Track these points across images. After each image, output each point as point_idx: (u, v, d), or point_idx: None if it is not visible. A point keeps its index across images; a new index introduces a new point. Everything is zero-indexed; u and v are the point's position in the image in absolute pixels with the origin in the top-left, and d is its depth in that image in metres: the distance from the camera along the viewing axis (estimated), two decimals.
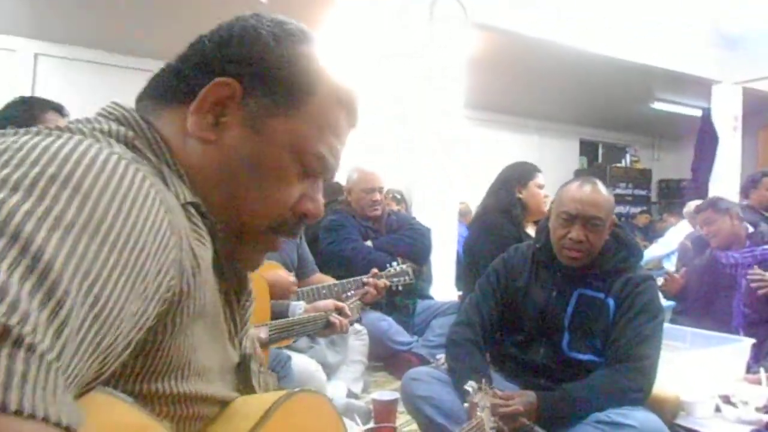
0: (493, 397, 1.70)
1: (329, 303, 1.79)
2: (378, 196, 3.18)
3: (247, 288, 0.73)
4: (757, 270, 2.68)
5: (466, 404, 1.40)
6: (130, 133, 0.60)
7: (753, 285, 2.89)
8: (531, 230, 2.88)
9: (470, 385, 1.43)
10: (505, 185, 2.96)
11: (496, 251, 2.50)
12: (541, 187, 2.92)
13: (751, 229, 3.24)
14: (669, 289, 3.44)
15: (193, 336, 0.56)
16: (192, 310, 0.54)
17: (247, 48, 0.65)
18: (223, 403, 0.63)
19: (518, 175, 2.96)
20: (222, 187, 0.65)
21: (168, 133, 0.64)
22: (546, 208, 2.88)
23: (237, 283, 0.71)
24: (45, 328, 0.36)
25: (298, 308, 1.74)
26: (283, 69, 0.65)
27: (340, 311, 1.76)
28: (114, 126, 0.60)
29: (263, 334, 1.38)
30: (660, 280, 4.27)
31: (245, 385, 0.70)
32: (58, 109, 1.89)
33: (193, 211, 0.60)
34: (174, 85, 0.65)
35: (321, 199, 0.72)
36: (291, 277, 1.95)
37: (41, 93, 4.70)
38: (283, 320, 1.62)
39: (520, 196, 2.91)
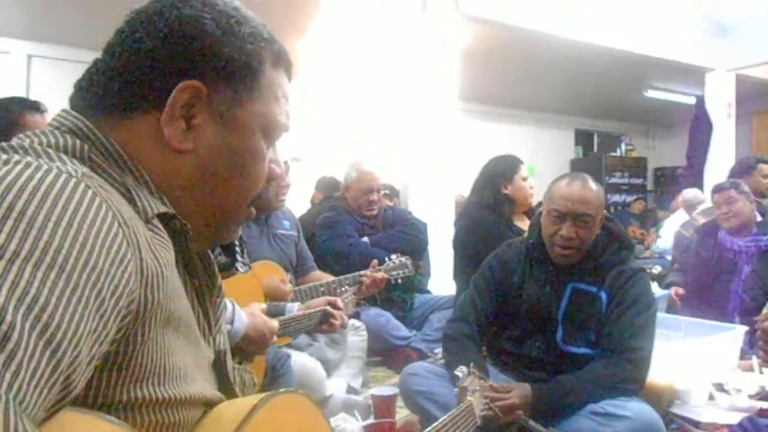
0: (490, 389, 1.73)
1: (320, 301, 1.81)
2: (375, 197, 3.19)
3: (216, 284, 0.74)
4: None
5: (456, 389, 1.43)
6: (86, 146, 0.60)
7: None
8: (519, 222, 2.89)
9: (460, 370, 1.46)
10: (489, 182, 2.92)
11: (484, 247, 2.53)
12: (525, 179, 2.90)
13: (759, 218, 3.26)
14: (676, 305, 3.50)
15: (166, 341, 0.56)
16: (160, 316, 0.55)
17: (197, 43, 0.63)
18: (207, 405, 0.64)
19: (502, 171, 2.91)
20: (201, 187, 0.66)
21: (133, 143, 0.63)
22: (532, 199, 2.91)
23: (207, 281, 0.73)
24: None
25: (294, 309, 1.76)
26: (236, 57, 0.65)
27: (332, 305, 1.78)
28: (69, 139, 0.59)
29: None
30: (658, 268, 4.33)
31: (223, 381, 0.72)
32: (36, 107, 1.85)
33: (156, 222, 0.61)
34: (128, 95, 0.63)
35: (279, 158, 0.76)
36: (286, 285, 1.97)
37: (36, 94, 4.70)
38: (279, 318, 1.64)
39: (506, 192, 2.87)
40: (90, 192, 0.50)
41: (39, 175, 0.48)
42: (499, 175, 2.92)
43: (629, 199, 8.98)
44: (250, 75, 0.67)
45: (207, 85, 0.63)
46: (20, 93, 4.35)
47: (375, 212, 3.23)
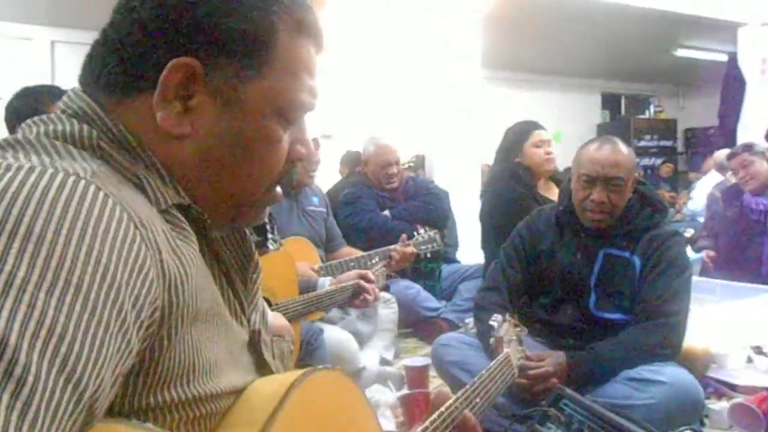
0: (525, 358, 1.73)
1: (351, 274, 1.83)
2: (394, 170, 3.21)
3: (252, 261, 0.70)
4: None
5: (492, 339, 1.41)
6: (95, 133, 0.55)
7: None
8: (546, 191, 2.84)
9: (495, 319, 1.42)
10: (504, 152, 2.92)
11: (509, 218, 2.51)
12: (539, 144, 2.81)
13: None
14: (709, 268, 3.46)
15: (194, 338, 0.54)
16: (187, 316, 0.52)
17: (191, 13, 0.57)
18: (239, 392, 0.61)
19: (512, 142, 2.88)
20: (208, 175, 0.61)
21: (137, 126, 0.58)
22: (550, 164, 2.81)
23: (240, 258, 0.70)
24: (5, 416, 0.34)
25: (326, 283, 1.78)
26: (238, 28, 0.58)
27: (365, 278, 1.79)
28: (76, 125, 0.55)
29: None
30: (690, 231, 4.26)
31: (258, 361, 0.69)
32: (57, 95, 1.85)
33: (174, 211, 0.57)
34: (124, 73, 0.58)
35: (309, 138, 0.68)
36: (315, 263, 1.99)
37: (60, 80, 4.75)
38: (311, 294, 1.66)
39: (519, 160, 2.84)
40: (101, 195, 0.46)
41: (44, 182, 0.44)
42: (509, 146, 2.91)
43: (659, 162, 8.79)
44: (257, 48, 0.59)
45: (204, 61, 0.57)
46: (45, 79, 4.41)
47: (395, 185, 3.23)
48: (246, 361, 0.67)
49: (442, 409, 0.94)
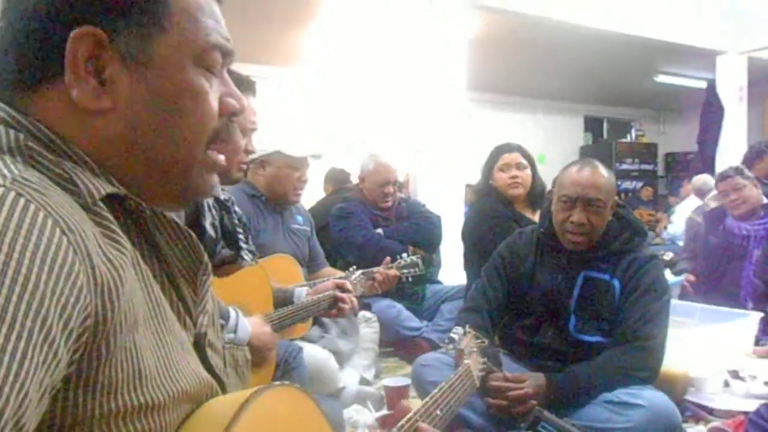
0: (503, 379, 1.73)
1: (328, 284, 1.81)
2: (391, 189, 3.20)
3: (202, 263, 0.67)
4: None
5: (452, 351, 1.41)
6: (21, 135, 0.52)
7: None
8: (526, 211, 2.87)
9: (455, 332, 1.43)
10: (482, 174, 2.97)
11: (491, 237, 2.53)
12: (503, 168, 2.84)
13: (766, 200, 3.22)
14: (689, 292, 3.48)
15: (137, 343, 0.52)
16: (126, 322, 0.50)
17: None
18: (193, 402, 0.59)
19: (487, 163, 2.94)
20: (142, 148, 0.59)
21: (56, 120, 0.55)
22: (513, 189, 2.82)
23: (189, 260, 0.67)
24: None
25: (303, 293, 1.76)
26: None
27: (341, 288, 1.77)
28: (2, 130, 0.53)
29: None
30: (670, 254, 4.30)
31: (204, 366, 0.65)
32: None
33: (103, 210, 0.54)
34: (27, 65, 0.55)
35: (238, 91, 0.66)
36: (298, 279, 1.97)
37: None
38: (287, 307, 1.64)
39: (491, 182, 2.90)
40: (22, 201, 0.44)
41: None
42: (486, 166, 2.95)
43: (640, 185, 8.92)
44: (152, 4, 0.58)
45: (105, 29, 0.55)
46: None
47: (390, 204, 3.23)
48: (193, 364, 0.63)
49: (402, 422, 0.94)
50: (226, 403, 0.61)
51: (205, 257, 0.69)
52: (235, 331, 1.27)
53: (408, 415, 0.97)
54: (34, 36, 0.55)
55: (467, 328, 1.49)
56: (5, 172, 0.47)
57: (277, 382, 0.66)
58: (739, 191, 3.17)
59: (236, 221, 1.86)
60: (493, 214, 2.80)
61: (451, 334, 1.48)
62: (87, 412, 0.47)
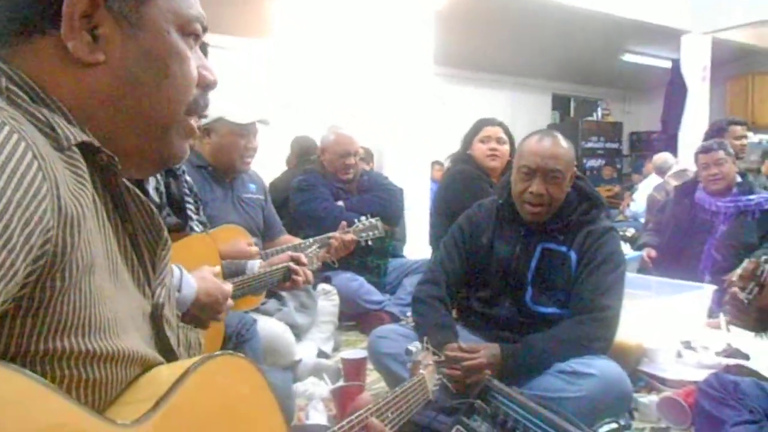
0: (458, 350, 1.72)
1: (283, 257, 1.75)
2: (352, 161, 3.16)
3: (162, 237, 0.69)
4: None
5: (409, 364, 1.41)
6: (2, 78, 0.55)
7: None
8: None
9: (414, 345, 1.43)
10: (462, 144, 3.05)
11: (469, 195, 2.57)
12: (483, 140, 2.94)
13: (739, 179, 3.24)
14: (647, 266, 3.50)
15: (93, 288, 0.52)
16: (83, 260, 0.51)
17: None
18: (145, 366, 0.59)
19: (468, 134, 3.03)
20: (126, 100, 0.62)
21: (39, 71, 0.58)
22: (491, 161, 2.92)
23: (150, 232, 0.68)
24: None
25: (255, 266, 1.70)
26: None
27: (296, 261, 1.72)
28: None
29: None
30: (632, 231, 4.35)
31: (159, 336, 0.67)
32: None
33: (75, 154, 0.56)
34: (16, 18, 0.58)
35: (211, 66, 0.71)
36: (250, 246, 1.91)
37: None
38: (238, 278, 1.59)
39: (470, 152, 2.98)
40: None
41: None
42: (466, 137, 3.03)
43: (604, 163, 9.05)
44: None
45: None
46: None
47: (351, 176, 3.19)
48: (147, 333, 0.64)
49: (352, 417, 0.97)
50: (169, 369, 0.60)
51: (165, 232, 0.70)
52: (179, 290, 1.21)
53: (360, 411, 0.99)
54: None
55: (426, 343, 1.48)
56: None
57: (221, 351, 0.64)
58: (720, 166, 3.15)
59: (186, 190, 1.78)
60: (470, 176, 2.87)
61: (409, 347, 1.48)
62: (31, 345, 0.47)
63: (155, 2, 0.63)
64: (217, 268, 1.38)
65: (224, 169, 2.27)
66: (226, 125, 2.18)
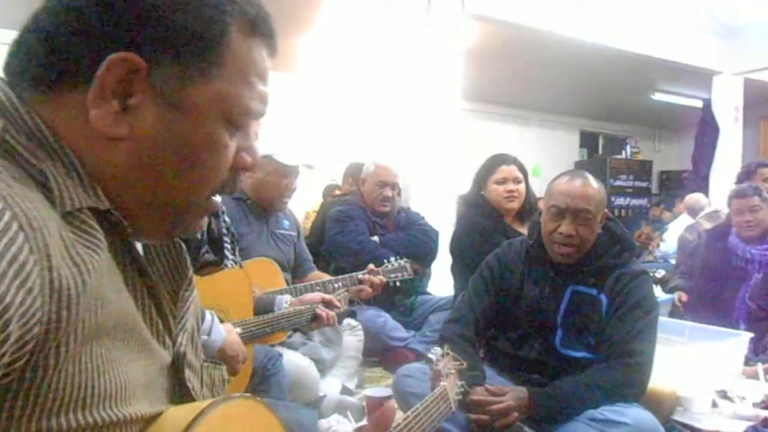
0: (485, 392, 1.68)
1: (316, 296, 1.76)
2: (389, 192, 3.16)
3: (186, 277, 0.65)
4: None
5: (429, 373, 1.37)
6: (1, 123, 0.50)
7: None
8: (516, 224, 2.82)
9: (434, 352, 1.39)
10: (474, 183, 2.90)
11: (476, 247, 2.50)
12: (500, 181, 2.77)
13: None
14: (679, 311, 3.42)
15: (95, 357, 0.48)
16: (83, 332, 0.46)
17: (137, 4, 0.52)
18: (150, 420, 0.56)
19: (481, 174, 2.86)
20: (144, 181, 0.56)
21: (60, 124, 0.53)
22: (509, 203, 2.75)
23: (173, 272, 0.65)
24: None
25: (284, 301, 1.71)
26: (186, 25, 0.54)
27: (327, 303, 1.73)
28: None
29: (237, 329, 1.36)
30: (662, 272, 4.26)
31: (180, 386, 0.63)
32: None
33: (83, 216, 0.51)
34: (54, 64, 0.52)
35: (255, 146, 0.65)
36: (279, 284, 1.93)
37: None
38: (266, 315, 1.60)
39: (483, 193, 2.83)
40: None
41: None
42: (479, 177, 2.87)
43: (634, 202, 8.91)
44: (206, 48, 0.55)
45: (147, 58, 0.52)
46: None
47: (387, 208, 3.19)
48: (162, 386, 0.61)
49: None
50: (181, 413, 0.57)
51: (190, 271, 0.66)
52: (208, 334, 1.22)
53: None
54: (75, 41, 0.52)
55: (446, 349, 1.45)
56: None
57: (237, 394, 0.63)
58: (755, 213, 3.08)
59: (224, 229, 1.82)
60: (483, 228, 2.73)
61: (429, 354, 1.45)
62: (21, 427, 0.43)
63: (207, 86, 0.56)
64: (237, 329, 1.40)
65: (263, 204, 2.32)
66: (273, 164, 2.23)
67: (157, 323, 0.61)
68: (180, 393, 0.63)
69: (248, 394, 0.64)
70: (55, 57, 0.52)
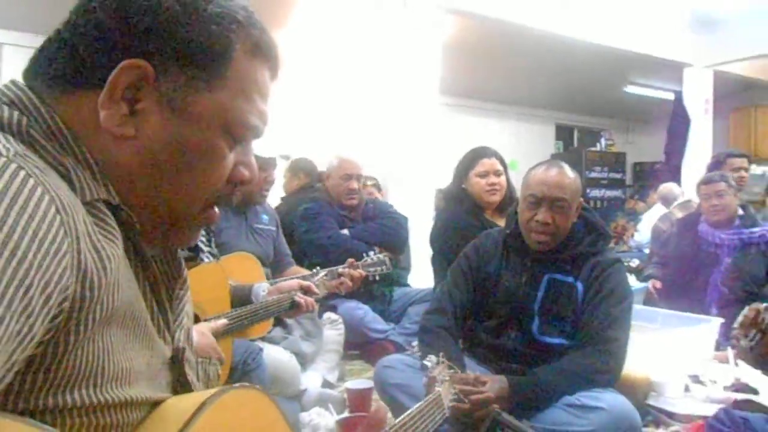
0: (464, 382, 1.70)
1: (293, 283, 1.76)
2: (355, 185, 3.16)
3: (180, 277, 0.69)
4: None
5: (424, 379, 1.39)
6: (24, 120, 0.54)
7: None
8: (496, 217, 2.83)
9: (429, 360, 1.42)
10: (455, 177, 2.86)
11: (456, 241, 2.49)
12: (482, 174, 2.74)
13: (741, 211, 3.25)
14: (653, 298, 3.48)
15: (107, 340, 0.51)
16: (101, 314, 0.50)
17: (150, 18, 0.57)
18: (154, 405, 0.59)
19: (461, 167, 2.82)
20: (146, 180, 0.60)
21: (77, 121, 0.57)
22: (491, 196, 2.73)
23: (168, 273, 0.68)
24: None
25: (261, 290, 1.71)
26: (194, 39, 0.59)
27: (306, 290, 1.73)
28: (6, 112, 0.54)
29: (222, 320, 1.35)
30: (636, 261, 4.33)
31: (180, 380, 0.66)
32: None
33: (100, 206, 0.55)
34: (72, 67, 0.58)
35: (254, 162, 0.68)
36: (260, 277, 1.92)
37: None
38: (244, 307, 1.59)
39: (465, 186, 2.79)
40: (22, 173, 0.45)
41: None
42: (459, 170, 2.84)
43: (608, 193, 9.05)
44: (212, 61, 0.60)
45: (157, 66, 0.57)
46: None
47: (355, 202, 3.19)
48: (164, 379, 0.64)
49: None
50: (184, 402, 0.60)
51: (185, 272, 0.70)
52: None
53: None
54: (94, 48, 0.57)
55: (441, 357, 1.47)
56: (8, 146, 0.48)
57: (238, 384, 0.65)
58: (721, 197, 3.16)
59: None
60: (462, 224, 2.71)
61: (425, 362, 1.47)
62: (39, 400, 0.47)
63: (209, 96, 0.60)
64: (222, 320, 1.39)
65: (241, 199, 2.30)
66: None
67: (158, 318, 0.64)
68: (181, 386, 0.66)
69: (248, 384, 0.66)
70: (74, 60, 0.58)
